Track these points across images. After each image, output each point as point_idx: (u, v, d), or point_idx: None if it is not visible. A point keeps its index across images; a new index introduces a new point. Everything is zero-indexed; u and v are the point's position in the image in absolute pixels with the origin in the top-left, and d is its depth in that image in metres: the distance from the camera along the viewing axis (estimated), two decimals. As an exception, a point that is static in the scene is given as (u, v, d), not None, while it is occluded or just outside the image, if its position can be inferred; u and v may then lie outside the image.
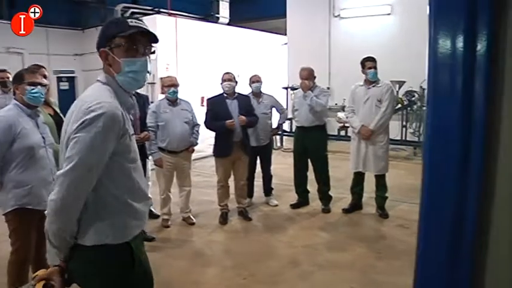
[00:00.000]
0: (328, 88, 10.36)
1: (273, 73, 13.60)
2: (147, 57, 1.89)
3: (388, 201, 5.46)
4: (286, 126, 9.69)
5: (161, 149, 4.90)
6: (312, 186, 5.91)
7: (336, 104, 10.72)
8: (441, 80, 1.25)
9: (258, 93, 5.75)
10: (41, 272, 1.81)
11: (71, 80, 14.35)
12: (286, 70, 12.09)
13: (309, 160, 5.80)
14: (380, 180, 5.37)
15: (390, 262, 4.13)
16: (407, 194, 6.16)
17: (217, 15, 16.22)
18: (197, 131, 5.09)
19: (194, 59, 13.64)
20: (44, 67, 3.87)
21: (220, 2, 16.26)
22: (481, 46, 1.16)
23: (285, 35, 12.65)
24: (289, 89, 11.19)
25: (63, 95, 12.55)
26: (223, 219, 5.28)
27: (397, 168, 7.55)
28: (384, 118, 5.16)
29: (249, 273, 3.95)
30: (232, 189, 5.43)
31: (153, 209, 5.44)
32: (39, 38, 13.00)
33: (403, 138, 9.38)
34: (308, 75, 5.53)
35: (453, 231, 1.21)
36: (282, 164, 7.81)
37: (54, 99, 4.20)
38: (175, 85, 4.93)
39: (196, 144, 5.15)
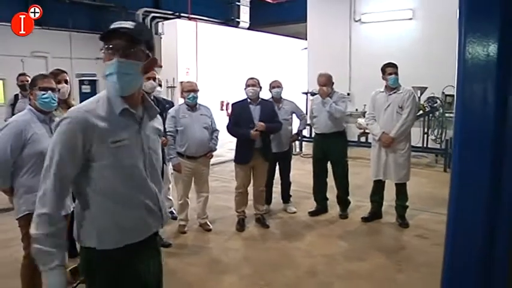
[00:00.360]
0: (349, 94, 10.26)
1: (293, 78, 13.57)
2: (116, 58, 1.75)
3: (408, 210, 5.36)
4: (305, 132, 9.61)
5: (180, 154, 4.90)
6: (331, 193, 5.85)
7: (357, 110, 10.62)
8: (473, 87, 1.19)
9: (278, 99, 5.70)
10: None
11: (93, 83, 14.55)
12: (306, 75, 12.02)
13: (328, 167, 5.75)
14: (401, 188, 5.28)
15: (410, 274, 4.03)
16: (428, 202, 6.06)
17: (237, 19, 16.29)
18: (216, 137, 5.08)
19: (214, 63, 13.70)
20: (65, 72, 3.91)
21: (241, 7, 16.33)
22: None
23: (306, 39, 12.59)
24: (309, 94, 11.12)
25: (84, 98, 12.53)
26: (240, 226, 5.25)
27: (418, 175, 7.42)
28: (405, 125, 5.07)
29: (265, 283, 3.91)
30: (250, 196, 5.39)
31: (174, 210, 5.46)
32: (63, 42, 13.24)
33: (425, 145, 9.22)
34: (326, 81, 5.47)
35: (484, 247, 1.15)
36: (301, 170, 7.76)
37: (76, 102, 4.23)
38: (195, 90, 4.92)
39: (215, 149, 5.14)
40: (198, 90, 4.98)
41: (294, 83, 12.74)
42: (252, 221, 5.43)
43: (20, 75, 6.36)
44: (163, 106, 4.95)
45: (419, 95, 8.89)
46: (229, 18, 16.53)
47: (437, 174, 8.07)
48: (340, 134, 5.60)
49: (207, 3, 15.89)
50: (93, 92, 14.65)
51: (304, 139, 10.36)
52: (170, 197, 5.63)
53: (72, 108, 1.80)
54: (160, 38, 13.22)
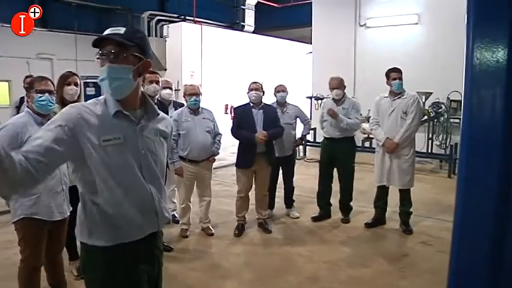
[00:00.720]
0: (353, 97, 10.22)
1: (297, 82, 13.55)
2: (107, 64, 1.81)
3: (412, 216, 5.31)
4: (309, 136, 9.58)
5: (182, 158, 4.87)
6: (334, 198, 5.82)
7: (361, 115, 10.55)
8: (481, 93, 1.16)
9: (282, 103, 5.67)
10: None
11: (97, 86, 14.54)
12: (311, 79, 11.99)
13: (334, 171, 5.73)
14: (405, 194, 5.23)
15: (413, 281, 3.99)
16: (432, 208, 6.01)
17: (242, 23, 16.33)
18: (219, 141, 5.05)
19: (219, 66, 13.71)
20: (76, 75, 3.88)
21: (246, 10, 16.36)
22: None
23: (310, 43, 12.57)
24: (313, 99, 11.09)
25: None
26: (239, 231, 5.20)
27: (422, 181, 7.37)
28: (410, 131, 5.03)
29: (266, 288, 3.87)
30: (252, 200, 5.36)
31: (176, 214, 5.44)
32: (68, 44, 13.27)
33: (429, 150, 9.16)
34: (338, 84, 5.47)
35: (492, 255, 1.12)
36: (305, 175, 7.74)
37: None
38: (197, 94, 4.89)
39: (218, 153, 5.11)
40: (200, 94, 4.95)
41: (298, 87, 12.74)
42: (254, 225, 5.39)
43: (26, 77, 6.35)
44: (167, 109, 4.92)
45: (424, 100, 8.84)
46: (234, 22, 16.58)
47: (441, 180, 8.01)
48: (348, 140, 5.57)
49: (213, 7, 15.93)
50: (98, 94, 14.46)
51: (308, 144, 10.33)
52: (175, 200, 5.60)
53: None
54: (165, 41, 13.25)
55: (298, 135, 6.01)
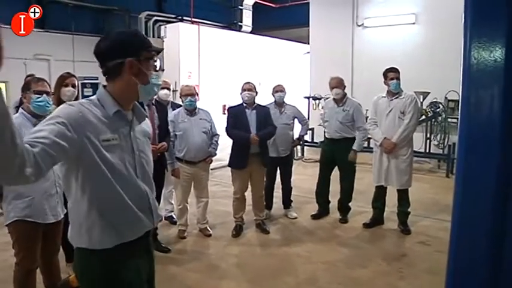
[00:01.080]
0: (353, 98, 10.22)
1: (295, 82, 13.54)
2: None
3: (410, 216, 5.30)
4: (307, 136, 9.57)
5: (178, 159, 4.85)
6: (333, 197, 5.82)
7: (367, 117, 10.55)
8: (478, 92, 1.15)
9: (280, 103, 5.66)
10: None
11: (95, 87, 14.53)
12: (309, 79, 11.98)
13: (333, 171, 5.73)
14: (402, 194, 5.22)
15: (412, 281, 3.98)
16: (430, 208, 6.01)
17: (240, 23, 16.30)
18: (216, 141, 5.03)
19: (216, 67, 13.69)
20: (74, 76, 3.86)
21: (243, 11, 16.33)
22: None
23: (308, 43, 12.56)
24: (311, 99, 11.08)
25: (87, 102, 12.72)
26: (236, 232, 5.19)
27: (420, 181, 7.37)
28: (407, 130, 5.02)
29: (264, 289, 3.86)
30: (249, 201, 5.34)
31: (174, 215, 5.42)
32: (66, 45, 13.23)
33: (427, 150, 9.16)
34: (337, 83, 5.49)
35: (491, 254, 1.11)
36: (303, 175, 7.73)
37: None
38: (193, 94, 4.87)
39: (215, 154, 5.09)
40: (196, 94, 4.93)
41: (296, 88, 12.72)
42: (252, 226, 5.38)
43: (27, 76, 6.23)
44: (164, 108, 4.89)
45: (422, 100, 8.83)
46: (231, 22, 16.54)
47: (439, 180, 8.01)
48: (349, 140, 5.55)
49: (210, 7, 15.90)
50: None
51: (306, 144, 10.32)
52: (172, 201, 5.59)
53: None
54: (163, 41, 13.22)
55: (296, 135, 5.99)
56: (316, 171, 5.92)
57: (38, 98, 3.01)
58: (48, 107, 3.09)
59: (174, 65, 12.88)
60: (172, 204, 5.57)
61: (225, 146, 5.30)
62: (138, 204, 1.92)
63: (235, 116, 5.07)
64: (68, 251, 3.85)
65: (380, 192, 5.36)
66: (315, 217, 5.76)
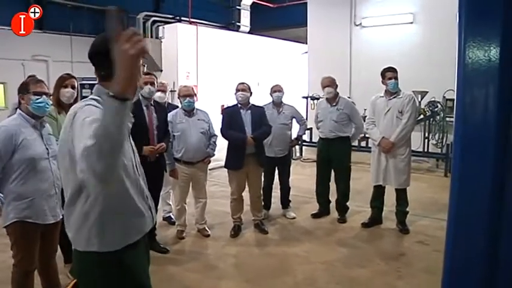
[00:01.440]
0: (349, 97, 10.21)
1: (293, 82, 13.53)
2: None
3: (409, 216, 5.30)
4: (305, 136, 9.57)
5: (176, 160, 4.85)
6: (332, 196, 5.84)
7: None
8: (473, 92, 1.16)
9: (278, 103, 5.66)
10: None
11: (93, 87, 14.55)
12: (307, 79, 11.98)
13: (331, 171, 5.75)
14: (401, 194, 5.22)
15: (410, 281, 3.98)
16: (429, 208, 6.01)
17: (238, 23, 16.30)
18: (214, 142, 5.03)
19: (215, 67, 13.68)
20: (74, 77, 3.86)
21: (241, 11, 16.33)
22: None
23: (306, 43, 12.56)
24: (309, 99, 11.08)
25: (85, 102, 12.72)
26: (235, 232, 5.19)
27: (418, 180, 7.38)
28: (405, 130, 5.02)
29: (263, 289, 3.86)
30: (247, 201, 5.34)
31: (172, 216, 5.42)
32: (64, 46, 13.23)
33: (425, 150, 9.16)
34: (329, 82, 5.52)
35: (487, 253, 1.11)
36: (301, 175, 7.73)
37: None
38: (191, 95, 4.87)
39: (213, 155, 5.09)
40: (194, 95, 4.93)
41: (294, 87, 12.72)
42: (250, 226, 5.38)
43: (29, 77, 6.18)
44: (164, 110, 4.88)
45: (420, 99, 8.85)
46: (229, 22, 16.54)
47: (438, 179, 8.01)
48: (343, 139, 5.57)
49: (208, 8, 15.89)
50: (94, 96, 14.61)
51: (305, 144, 10.32)
52: (170, 202, 5.59)
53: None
54: (161, 42, 13.21)
55: (294, 135, 5.99)
56: (315, 171, 5.93)
57: (38, 99, 3.00)
58: (47, 108, 3.09)
59: (172, 65, 12.88)
60: (170, 204, 5.57)
61: (222, 146, 5.30)
62: (142, 203, 1.94)
63: (230, 116, 5.07)
64: (66, 253, 3.84)
65: (378, 192, 5.36)
66: (315, 216, 5.79)
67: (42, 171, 3.02)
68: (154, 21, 13.43)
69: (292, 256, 4.60)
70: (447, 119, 9.16)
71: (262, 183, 5.47)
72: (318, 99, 10.57)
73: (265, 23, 16.94)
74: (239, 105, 5.08)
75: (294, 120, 5.84)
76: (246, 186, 5.25)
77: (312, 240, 5.06)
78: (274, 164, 5.66)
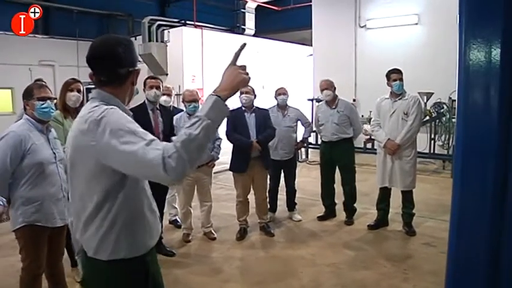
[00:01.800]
0: (354, 100, 10.22)
1: (299, 85, 13.52)
2: None
3: (415, 218, 5.28)
4: (311, 138, 9.57)
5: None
6: (338, 198, 5.83)
7: (362, 116, 10.53)
8: (475, 93, 1.16)
9: (283, 106, 5.66)
10: None
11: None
12: (312, 82, 11.97)
13: (335, 173, 5.74)
14: (407, 196, 5.20)
15: (417, 283, 3.96)
16: (435, 209, 5.98)
17: (243, 26, 16.33)
18: (218, 145, 5.03)
19: (220, 70, 13.61)
20: (80, 82, 3.89)
21: (246, 14, 16.36)
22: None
23: (311, 45, 12.56)
24: (314, 101, 11.06)
25: (91, 107, 12.80)
26: (241, 235, 5.19)
27: (424, 182, 7.35)
28: (411, 132, 5.01)
29: (269, 292, 3.86)
30: (253, 203, 5.34)
31: (178, 219, 5.42)
32: (70, 50, 13.33)
33: (432, 151, 9.13)
34: (326, 85, 5.55)
35: (490, 255, 1.11)
36: (307, 178, 7.73)
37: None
38: (197, 100, 4.88)
39: (217, 158, 5.09)
40: (199, 99, 4.94)
41: (299, 90, 12.70)
42: (256, 229, 5.38)
43: (36, 80, 6.13)
44: (170, 114, 4.90)
45: (425, 101, 8.82)
46: (234, 26, 16.58)
47: (444, 181, 7.97)
48: (347, 141, 5.57)
49: (213, 11, 15.96)
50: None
51: (310, 146, 10.31)
52: (176, 205, 5.60)
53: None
54: (166, 45, 13.25)
55: (300, 138, 5.99)
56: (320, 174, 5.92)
57: (42, 104, 3.02)
58: (52, 112, 3.12)
59: (178, 69, 12.91)
60: (176, 208, 5.59)
61: (228, 149, 5.30)
62: (153, 202, 1.93)
63: (235, 119, 5.06)
64: (72, 256, 3.86)
65: (384, 194, 5.35)
66: (321, 218, 5.79)
67: (51, 175, 3.04)
68: (159, 25, 13.46)
69: (298, 259, 4.60)
70: (453, 120, 9.11)
71: (268, 185, 5.48)
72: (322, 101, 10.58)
73: (270, 25, 16.96)
74: (243, 108, 5.09)
75: (299, 122, 5.84)
76: (252, 189, 5.25)
77: (318, 243, 5.05)
78: (280, 167, 5.66)
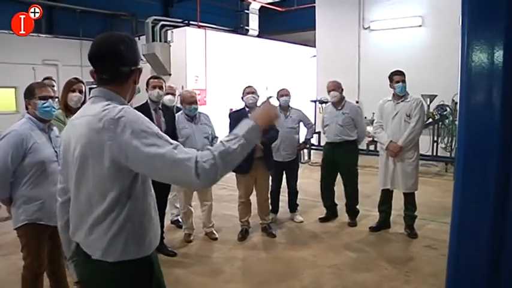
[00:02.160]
0: (357, 102, 10.19)
1: (302, 86, 13.53)
2: None
3: (417, 220, 5.26)
4: (314, 140, 9.55)
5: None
6: (340, 201, 5.82)
7: (366, 118, 10.52)
8: (477, 96, 1.15)
9: (285, 107, 5.66)
10: None
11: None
12: (315, 83, 11.97)
13: (337, 175, 5.73)
14: (409, 198, 5.19)
15: (418, 285, 3.95)
16: (437, 212, 5.96)
17: (246, 27, 16.35)
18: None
19: (223, 71, 13.71)
20: (82, 82, 3.89)
21: (250, 15, 16.37)
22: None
23: (315, 47, 12.55)
24: (317, 102, 11.07)
25: (94, 106, 12.83)
26: (242, 235, 5.19)
27: (427, 184, 7.33)
28: (413, 134, 5.00)
29: (270, 293, 3.85)
30: (255, 204, 5.34)
31: (180, 219, 5.42)
32: (73, 50, 13.36)
33: (435, 153, 9.10)
34: (334, 86, 5.54)
35: (491, 259, 1.10)
36: (309, 179, 7.72)
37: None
38: (196, 101, 4.88)
39: None
40: (198, 100, 4.95)
41: (303, 91, 12.71)
42: (258, 230, 5.38)
43: (45, 78, 6.04)
44: (172, 113, 4.90)
45: (428, 103, 8.80)
46: (238, 26, 16.61)
47: (446, 183, 7.94)
48: (350, 143, 5.56)
49: (216, 12, 15.98)
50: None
51: (313, 147, 10.30)
52: (177, 205, 5.60)
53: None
54: (170, 46, 13.27)
55: (302, 139, 5.98)
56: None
57: (44, 103, 3.03)
58: (54, 111, 3.12)
59: (181, 69, 12.93)
60: (178, 208, 5.59)
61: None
62: (156, 207, 1.92)
63: (238, 120, 5.01)
64: None
65: (386, 196, 5.33)
66: (322, 220, 5.78)
67: (52, 173, 3.04)
68: (163, 26, 13.49)
69: (299, 260, 4.59)
70: (456, 122, 9.07)
71: (270, 187, 5.47)
72: (326, 103, 10.56)
73: (273, 26, 16.97)
74: (247, 108, 5.08)
75: (301, 124, 5.83)
76: (254, 189, 5.24)
77: (320, 244, 5.04)
78: (282, 168, 5.65)
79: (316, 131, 8.42)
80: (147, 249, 1.80)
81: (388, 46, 10.57)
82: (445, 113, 9.19)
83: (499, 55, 1.09)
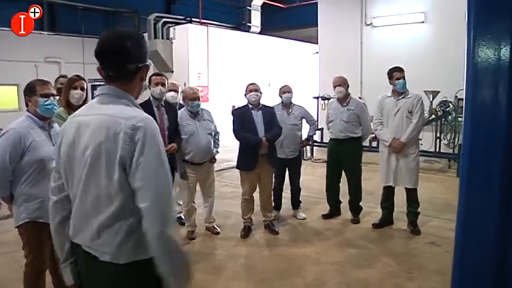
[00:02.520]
0: (360, 98, 10.17)
1: (304, 82, 13.50)
2: None
3: (420, 216, 5.25)
4: (316, 136, 9.54)
5: (184, 161, 4.86)
6: (343, 197, 5.81)
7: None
8: (483, 92, 1.14)
9: (288, 104, 5.64)
10: None
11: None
12: (318, 79, 11.94)
13: (341, 172, 5.73)
14: (412, 194, 5.17)
15: (421, 282, 3.94)
16: (440, 208, 5.95)
17: (248, 24, 16.34)
18: (218, 139, 5.06)
19: (225, 68, 13.70)
20: (83, 79, 3.88)
21: (252, 11, 16.35)
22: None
23: (317, 43, 12.52)
24: (320, 99, 11.04)
25: (96, 103, 12.85)
26: (245, 232, 5.18)
27: (430, 181, 7.32)
28: (416, 130, 4.99)
29: (272, 290, 3.85)
30: (258, 201, 5.34)
31: (182, 216, 5.42)
32: (76, 47, 13.38)
33: (437, 150, 9.07)
34: (340, 81, 5.51)
35: (497, 256, 1.09)
36: (312, 176, 7.71)
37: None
38: (199, 98, 4.87)
39: (218, 152, 5.10)
40: (201, 97, 4.95)
41: (305, 88, 12.70)
42: (261, 227, 5.37)
43: (60, 77, 5.74)
44: (175, 110, 4.89)
45: (431, 99, 8.77)
46: (240, 23, 16.59)
47: (449, 180, 7.92)
48: (354, 140, 5.54)
49: (218, 8, 15.96)
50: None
51: (316, 144, 10.29)
52: (180, 202, 5.60)
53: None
54: (172, 42, 13.27)
55: (305, 135, 5.97)
56: (325, 172, 5.90)
57: (46, 101, 3.02)
58: (55, 109, 3.11)
59: (183, 66, 12.94)
60: (180, 205, 5.58)
61: (234, 147, 5.30)
62: None
63: (242, 117, 5.03)
64: None
65: (388, 193, 5.32)
66: (325, 217, 5.77)
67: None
68: (165, 22, 13.50)
69: (302, 257, 4.58)
70: (459, 119, 9.04)
71: (273, 183, 5.46)
72: (328, 99, 10.54)
73: (275, 23, 16.94)
74: (250, 105, 5.07)
75: (304, 120, 5.81)
76: (257, 186, 5.24)
77: (322, 241, 5.04)
78: (284, 165, 5.64)
79: (319, 127, 8.39)
80: (145, 253, 1.73)
81: (390, 42, 10.54)
82: (447, 109, 9.14)
83: (505, 51, 1.08)
